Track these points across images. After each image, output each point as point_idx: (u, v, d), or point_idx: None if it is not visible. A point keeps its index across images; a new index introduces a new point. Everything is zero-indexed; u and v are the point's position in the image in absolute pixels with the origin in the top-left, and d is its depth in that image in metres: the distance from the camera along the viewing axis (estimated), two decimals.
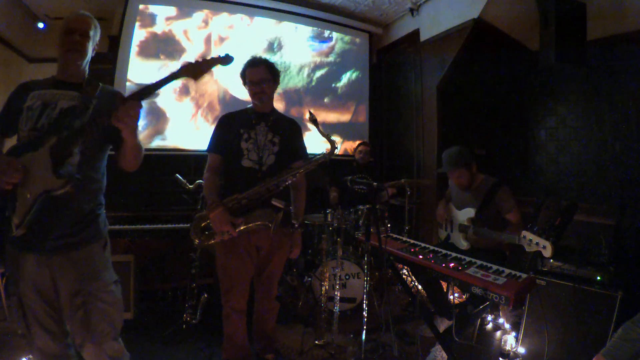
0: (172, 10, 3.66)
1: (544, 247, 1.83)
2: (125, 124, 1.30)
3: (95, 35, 1.50)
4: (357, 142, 3.86)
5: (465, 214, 2.41)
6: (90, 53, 1.49)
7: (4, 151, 1.39)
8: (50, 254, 1.35)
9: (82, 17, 1.48)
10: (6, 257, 1.38)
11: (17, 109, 1.39)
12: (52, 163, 1.29)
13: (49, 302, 1.37)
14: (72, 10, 1.51)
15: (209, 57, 1.42)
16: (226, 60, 1.45)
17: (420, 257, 2.01)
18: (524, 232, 1.91)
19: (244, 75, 1.96)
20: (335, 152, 1.92)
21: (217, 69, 1.47)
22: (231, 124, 1.97)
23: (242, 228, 1.80)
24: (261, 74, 1.91)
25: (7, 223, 1.31)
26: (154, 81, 1.37)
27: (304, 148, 2.08)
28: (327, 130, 1.95)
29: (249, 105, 2.03)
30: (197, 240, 1.87)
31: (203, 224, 1.86)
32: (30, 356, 1.89)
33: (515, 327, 2.36)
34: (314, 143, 4.02)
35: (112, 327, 1.42)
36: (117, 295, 1.46)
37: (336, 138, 4.39)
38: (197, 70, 1.40)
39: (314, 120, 1.90)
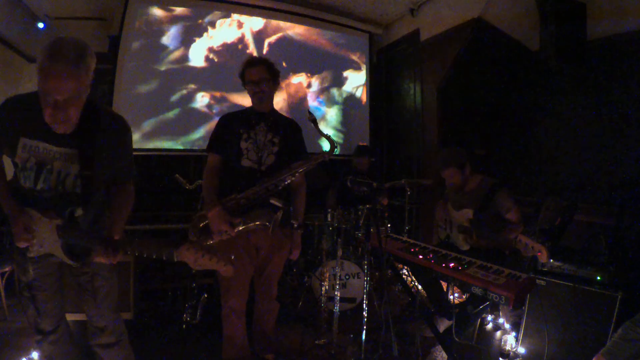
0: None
1: (540, 252, 1.83)
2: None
3: (88, 77, 1.21)
4: (357, 147, 3.72)
5: (464, 215, 2.41)
6: (83, 96, 1.24)
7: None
8: None
9: (67, 77, 1.13)
10: (13, 251, 1.41)
11: (6, 140, 1.31)
12: (61, 243, 1.32)
13: (54, 288, 1.46)
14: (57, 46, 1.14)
15: (213, 260, 1.17)
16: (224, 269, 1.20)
17: (420, 257, 2.01)
18: (520, 237, 1.91)
19: (242, 75, 1.95)
20: (334, 152, 1.91)
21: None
22: (231, 124, 1.97)
23: (240, 228, 1.79)
24: (260, 73, 1.90)
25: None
26: (150, 250, 1.24)
27: (304, 148, 2.08)
28: (327, 130, 1.95)
29: (249, 106, 2.03)
30: (195, 240, 1.85)
31: (201, 224, 1.86)
32: (30, 356, 1.89)
33: (515, 327, 2.36)
34: (313, 142, 4.03)
35: (114, 301, 1.57)
36: (115, 277, 1.58)
37: (336, 138, 4.39)
38: (197, 261, 1.17)
39: (313, 120, 1.89)
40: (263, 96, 1.92)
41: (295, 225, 1.98)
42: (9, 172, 1.41)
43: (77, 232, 1.33)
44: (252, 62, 1.94)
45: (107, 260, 1.28)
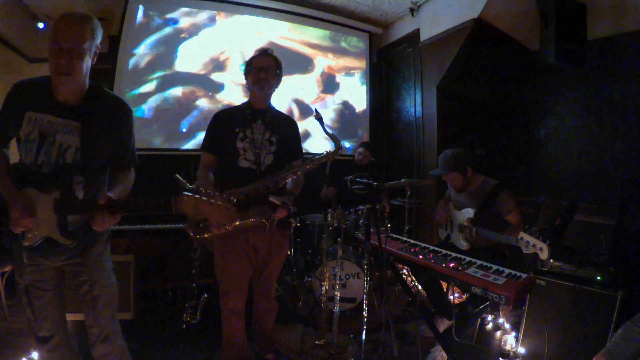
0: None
1: (541, 249, 1.83)
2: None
3: (93, 44, 1.30)
4: (358, 143, 3.83)
5: (465, 214, 2.41)
6: (87, 68, 1.32)
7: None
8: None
9: (73, 28, 1.24)
10: (12, 252, 1.40)
11: (14, 121, 1.33)
12: (57, 219, 1.30)
13: (53, 292, 1.43)
14: (66, 10, 1.29)
15: (213, 204, 1.27)
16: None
17: (420, 257, 2.01)
18: (521, 234, 1.91)
19: (250, 63, 1.93)
20: (339, 152, 1.88)
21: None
22: (226, 122, 1.92)
23: (237, 223, 1.73)
24: (269, 62, 1.90)
25: (15, 236, 1.33)
26: (147, 204, 1.32)
27: (301, 147, 2.08)
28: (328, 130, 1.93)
29: (244, 101, 2.01)
30: (191, 233, 1.79)
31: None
32: (30, 356, 1.89)
33: (515, 327, 2.36)
34: (317, 142, 4.03)
35: (113, 311, 1.52)
36: (115, 280, 1.55)
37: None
38: (197, 208, 1.27)
39: (319, 119, 1.88)
40: (264, 84, 1.88)
41: (291, 197, 1.88)
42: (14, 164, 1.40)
43: (74, 202, 1.31)
44: (263, 51, 1.93)
45: (105, 222, 1.26)
